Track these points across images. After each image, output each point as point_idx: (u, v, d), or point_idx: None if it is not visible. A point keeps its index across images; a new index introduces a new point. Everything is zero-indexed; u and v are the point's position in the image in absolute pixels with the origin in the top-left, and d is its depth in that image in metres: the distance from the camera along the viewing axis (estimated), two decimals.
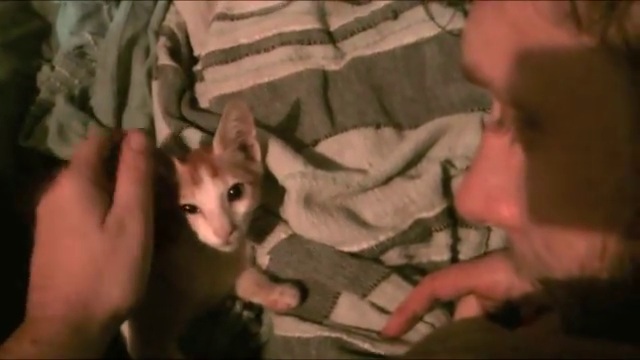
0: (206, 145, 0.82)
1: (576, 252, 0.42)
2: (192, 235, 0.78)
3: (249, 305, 0.88)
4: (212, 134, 0.82)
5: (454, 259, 0.85)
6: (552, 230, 0.44)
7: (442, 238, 0.84)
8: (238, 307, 0.87)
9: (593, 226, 0.41)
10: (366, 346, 0.77)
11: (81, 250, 0.67)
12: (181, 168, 0.77)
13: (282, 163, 0.84)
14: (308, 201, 0.82)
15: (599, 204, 0.40)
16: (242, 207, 0.77)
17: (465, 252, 0.84)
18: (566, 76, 0.38)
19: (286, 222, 0.86)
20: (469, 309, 0.77)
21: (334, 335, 0.79)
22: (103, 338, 0.68)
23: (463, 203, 0.52)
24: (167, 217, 0.75)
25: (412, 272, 0.83)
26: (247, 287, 0.87)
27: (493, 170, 0.48)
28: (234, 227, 0.76)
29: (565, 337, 0.46)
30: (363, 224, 0.83)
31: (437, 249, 0.84)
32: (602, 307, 0.44)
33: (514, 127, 0.45)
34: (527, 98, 0.41)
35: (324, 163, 0.87)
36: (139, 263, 0.69)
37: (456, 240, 0.85)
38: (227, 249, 0.79)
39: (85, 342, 0.64)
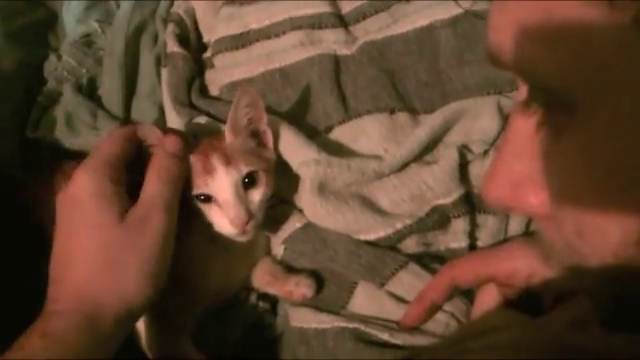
0: (217, 133, 0.80)
1: (610, 239, 0.41)
2: (205, 225, 0.77)
3: (264, 296, 0.86)
4: (223, 122, 0.80)
5: (472, 246, 0.83)
6: (584, 216, 0.42)
7: (460, 225, 0.82)
8: (253, 298, 0.86)
9: (628, 211, 0.39)
10: (385, 336, 0.75)
11: (95, 242, 0.65)
12: (192, 157, 0.75)
13: (295, 150, 0.82)
14: (322, 189, 0.80)
15: (634, 188, 0.38)
16: (257, 195, 0.76)
17: (483, 239, 0.82)
18: (598, 56, 0.36)
19: (301, 211, 0.85)
20: (489, 297, 0.75)
21: (351, 325, 0.77)
22: (117, 334, 0.66)
23: (489, 191, 0.50)
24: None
25: (430, 260, 0.81)
26: (262, 277, 0.85)
27: (519, 155, 0.47)
28: (250, 216, 0.74)
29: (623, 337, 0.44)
30: (379, 212, 0.81)
31: (455, 236, 0.82)
32: (637, 295, 0.43)
33: (542, 110, 0.43)
34: (557, 80, 0.39)
35: (338, 150, 0.85)
36: (158, 260, 0.67)
37: (474, 227, 0.82)
38: (243, 239, 0.77)
39: (96, 338, 0.63)
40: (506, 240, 0.82)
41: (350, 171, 0.81)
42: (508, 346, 0.43)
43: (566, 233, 0.44)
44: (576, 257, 0.45)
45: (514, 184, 0.47)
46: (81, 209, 0.67)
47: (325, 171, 0.80)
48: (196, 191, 0.75)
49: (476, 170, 0.83)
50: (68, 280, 0.64)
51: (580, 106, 0.39)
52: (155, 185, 0.70)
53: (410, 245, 0.81)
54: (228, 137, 0.77)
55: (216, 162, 0.74)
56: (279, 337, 0.85)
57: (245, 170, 0.75)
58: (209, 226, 0.77)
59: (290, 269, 0.85)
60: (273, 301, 0.87)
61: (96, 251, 0.65)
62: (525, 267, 0.70)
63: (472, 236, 0.82)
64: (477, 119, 0.85)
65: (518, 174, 0.47)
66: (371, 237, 0.80)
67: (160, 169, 0.71)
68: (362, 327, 0.76)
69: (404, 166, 0.84)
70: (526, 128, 0.45)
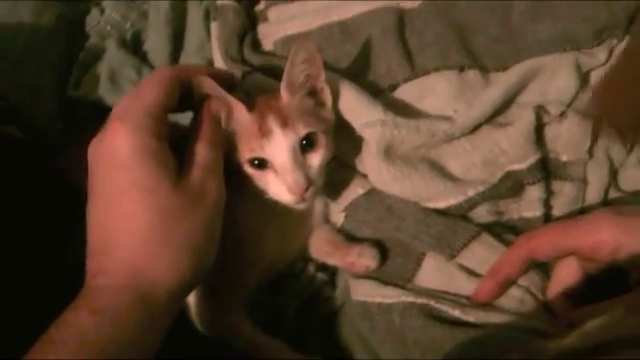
0: (271, 92, 0.74)
1: None
2: (258, 192, 0.72)
3: (322, 267, 0.81)
4: (277, 79, 0.74)
5: (547, 215, 0.78)
6: None
7: (535, 192, 0.77)
8: (311, 269, 0.81)
9: None
10: (456, 313, 0.71)
11: (149, 210, 0.59)
12: (247, 117, 0.70)
13: (358, 110, 0.77)
14: (389, 152, 0.75)
15: None
16: (316, 159, 0.71)
17: (559, 207, 0.78)
18: None
19: (363, 176, 0.80)
20: (568, 272, 0.71)
21: (420, 301, 0.72)
22: (170, 309, 0.60)
23: None
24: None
25: (503, 230, 0.77)
26: (321, 247, 0.80)
27: None
28: (309, 182, 0.69)
29: None
30: (449, 177, 0.76)
31: (529, 204, 0.78)
32: None
33: None
34: None
35: (404, 110, 0.79)
36: (214, 229, 0.63)
37: (549, 194, 0.78)
38: (301, 207, 0.72)
39: (150, 314, 0.57)
40: (583, 209, 0.78)
41: (419, 133, 0.76)
42: None
43: None
44: None
45: None
46: (128, 171, 0.59)
47: (392, 133, 0.75)
48: (250, 155, 0.70)
49: (552, 133, 0.79)
50: (116, 252, 0.58)
51: None
52: (207, 149, 0.65)
53: (481, 214, 0.77)
54: (284, 96, 0.72)
55: (272, 124, 0.69)
56: (338, 311, 0.80)
57: (303, 132, 0.70)
58: (262, 193, 0.72)
59: (350, 238, 0.80)
60: (331, 272, 0.82)
61: (148, 219, 0.59)
62: (611, 239, 0.65)
63: (547, 204, 0.78)
64: (553, 77, 0.80)
65: None
66: (441, 205, 0.76)
67: (208, 133, 0.66)
68: (432, 302, 0.72)
69: (476, 128, 0.78)
70: None
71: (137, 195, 0.59)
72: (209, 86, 0.68)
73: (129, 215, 0.59)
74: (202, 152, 0.65)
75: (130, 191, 0.59)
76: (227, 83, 0.71)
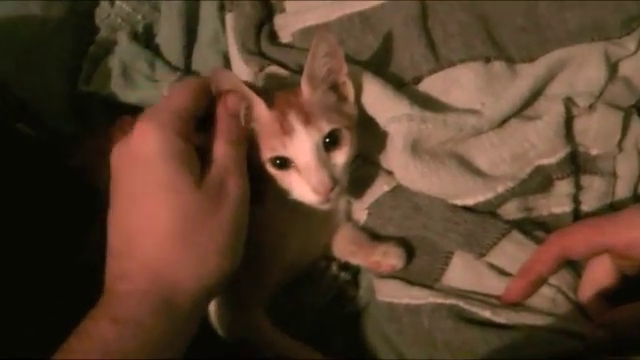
0: (291, 87, 0.72)
1: None
2: (280, 192, 0.69)
3: (345, 266, 0.79)
4: (297, 72, 0.73)
5: (576, 210, 0.76)
6: None
7: (564, 187, 0.75)
8: (334, 268, 0.78)
9: None
10: (487, 314, 0.69)
11: (172, 209, 0.57)
12: (268, 115, 0.67)
13: (383, 105, 0.74)
14: (415, 148, 0.73)
15: None
16: (341, 157, 0.68)
17: (588, 202, 0.76)
18: None
19: (387, 172, 0.78)
20: (602, 270, 0.69)
21: (449, 302, 0.71)
22: (195, 315, 0.59)
23: None
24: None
25: (532, 227, 0.75)
26: (344, 246, 0.78)
27: None
28: (335, 182, 0.67)
29: None
30: (477, 173, 0.74)
31: (558, 199, 0.76)
32: None
33: None
34: None
35: (430, 103, 0.77)
36: (237, 232, 0.61)
37: (578, 189, 0.76)
38: (326, 207, 0.70)
39: (174, 320, 0.55)
40: (613, 204, 0.76)
41: (446, 127, 0.73)
42: None
43: None
44: None
45: None
46: (152, 170, 0.58)
47: (419, 127, 0.72)
48: (271, 154, 0.68)
49: (581, 126, 0.77)
50: (138, 254, 0.57)
51: None
52: (224, 147, 0.63)
53: (510, 210, 0.75)
54: (305, 91, 0.70)
55: (294, 121, 0.67)
56: (361, 312, 0.78)
57: (327, 129, 0.67)
58: (285, 194, 0.69)
59: (374, 236, 0.78)
60: (354, 271, 0.80)
61: (172, 221, 0.57)
62: None
63: (576, 199, 0.76)
64: (582, 68, 0.78)
65: None
66: (469, 202, 0.73)
67: (225, 130, 0.64)
68: (461, 303, 0.70)
69: (503, 122, 0.76)
70: None
71: (160, 194, 0.57)
72: (229, 80, 0.66)
73: (152, 215, 0.57)
74: (220, 151, 0.63)
75: (153, 190, 0.58)
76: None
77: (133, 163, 0.59)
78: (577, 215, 0.76)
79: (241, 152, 0.64)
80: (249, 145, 0.67)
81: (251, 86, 0.69)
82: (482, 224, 0.72)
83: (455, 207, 0.73)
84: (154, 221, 0.57)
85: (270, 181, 0.69)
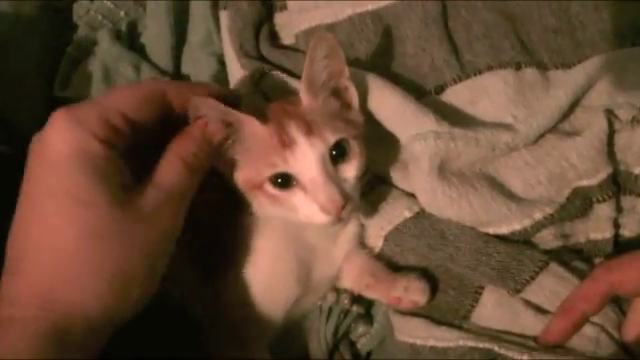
0: (291, 94, 0.68)
1: None
2: (280, 214, 0.63)
3: (357, 298, 0.73)
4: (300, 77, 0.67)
5: (616, 236, 0.70)
6: None
7: (604, 211, 0.69)
8: (345, 302, 0.72)
9: None
10: (525, 358, 0.63)
11: (79, 225, 0.50)
12: (263, 130, 0.61)
13: (405, 119, 0.69)
14: (443, 169, 0.68)
15: None
16: (351, 170, 0.62)
17: (630, 226, 0.70)
18: None
19: (408, 195, 0.72)
20: None
21: (482, 345, 0.65)
22: (89, 344, 0.51)
23: None
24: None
25: (570, 256, 0.70)
26: (359, 279, 0.71)
27: None
28: (346, 198, 0.60)
29: None
30: (511, 197, 0.68)
31: (597, 224, 0.70)
32: None
33: None
34: None
35: (456, 117, 0.72)
36: (156, 263, 0.55)
37: (619, 212, 0.70)
38: (337, 226, 0.66)
39: (64, 350, 0.49)
40: None
41: (478, 146, 0.68)
42: None
43: None
44: None
45: None
46: (61, 176, 0.51)
47: (447, 146, 0.67)
48: (271, 171, 0.61)
49: (623, 142, 0.70)
50: (28, 271, 0.50)
51: None
52: (179, 169, 0.56)
53: (546, 238, 0.69)
54: (305, 98, 0.65)
55: (294, 132, 0.61)
56: (375, 350, 0.73)
57: (332, 139, 0.61)
58: (288, 216, 0.63)
59: (390, 265, 0.72)
60: (367, 303, 0.74)
61: (76, 238, 0.50)
62: None
63: (616, 223, 0.70)
64: (622, 76, 0.72)
65: None
66: (503, 230, 0.68)
67: (190, 152, 0.57)
68: (495, 347, 0.64)
69: (538, 138, 0.71)
70: None
71: (67, 206, 0.50)
72: (210, 106, 0.59)
73: (54, 229, 0.50)
74: (172, 172, 0.56)
75: (60, 200, 0.51)
76: (231, 104, 0.61)
77: (42, 162, 0.52)
78: (617, 241, 0.71)
79: (194, 183, 0.58)
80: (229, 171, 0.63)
81: (233, 105, 0.62)
82: (517, 256, 0.67)
83: (487, 236, 0.68)
84: (56, 236, 0.50)
85: (264, 203, 0.63)
